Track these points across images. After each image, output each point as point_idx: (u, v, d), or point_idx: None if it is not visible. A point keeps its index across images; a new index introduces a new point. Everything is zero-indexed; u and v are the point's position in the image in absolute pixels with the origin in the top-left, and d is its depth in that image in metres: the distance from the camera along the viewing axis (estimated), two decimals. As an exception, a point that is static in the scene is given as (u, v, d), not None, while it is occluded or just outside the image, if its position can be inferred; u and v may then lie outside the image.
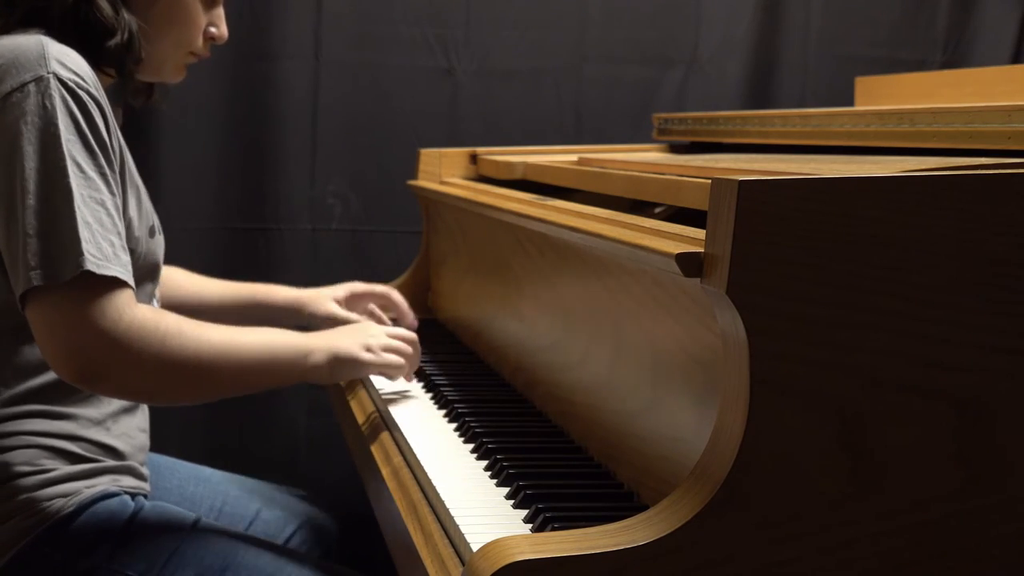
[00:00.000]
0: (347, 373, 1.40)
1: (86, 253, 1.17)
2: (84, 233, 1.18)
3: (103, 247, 1.19)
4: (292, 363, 1.34)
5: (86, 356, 1.18)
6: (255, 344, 1.31)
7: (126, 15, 1.32)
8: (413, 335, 1.47)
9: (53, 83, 1.20)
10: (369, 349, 1.40)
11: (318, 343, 1.37)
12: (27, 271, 1.17)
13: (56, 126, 1.20)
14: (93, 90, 1.24)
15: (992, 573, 0.86)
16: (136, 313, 1.20)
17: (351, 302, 1.76)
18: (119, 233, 1.22)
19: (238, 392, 1.38)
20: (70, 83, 1.21)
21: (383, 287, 1.82)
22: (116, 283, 1.19)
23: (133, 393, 1.30)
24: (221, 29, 1.46)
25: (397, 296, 1.80)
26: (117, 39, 1.31)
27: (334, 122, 2.31)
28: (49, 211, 1.18)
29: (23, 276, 1.17)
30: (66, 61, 1.23)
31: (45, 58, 1.22)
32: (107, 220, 1.21)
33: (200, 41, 1.44)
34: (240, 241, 2.31)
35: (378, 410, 1.45)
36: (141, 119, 2.18)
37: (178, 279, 1.72)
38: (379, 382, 1.54)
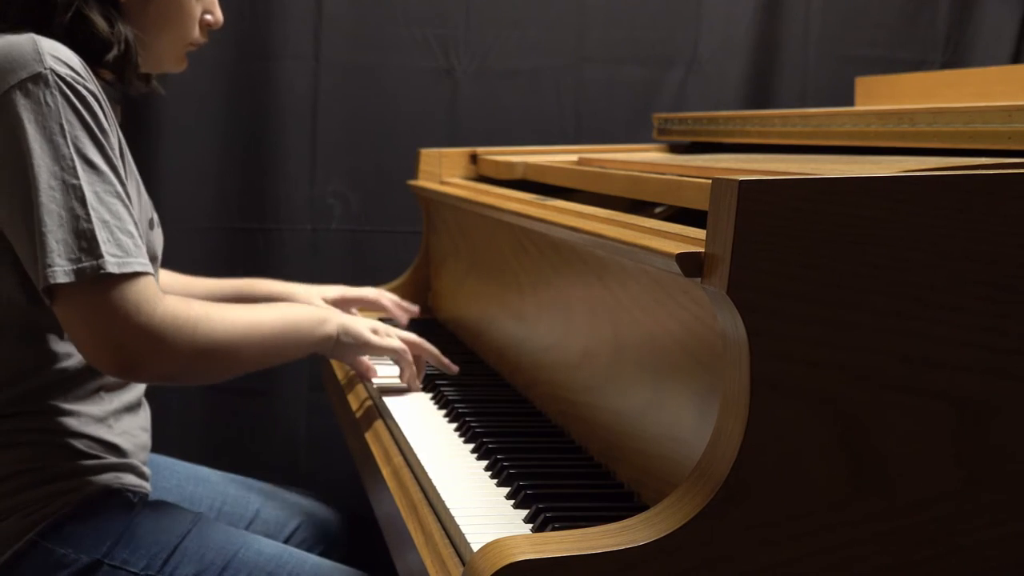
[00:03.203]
0: (350, 348, 1.45)
1: (106, 255, 1.18)
2: (102, 234, 1.18)
3: (123, 242, 1.20)
4: (309, 330, 1.40)
5: (125, 349, 1.21)
6: (275, 318, 1.36)
7: (121, 27, 1.33)
8: (419, 339, 1.52)
9: (52, 79, 1.20)
10: (375, 332, 1.46)
11: (331, 314, 1.44)
12: (45, 269, 1.16)
13: (60, 123, 1.19)
14: (90, 84, 1.24)
15: (992, 573, 0.86)
16: (167, 304, 1.22)
17: (339, 306, 1.77)
18: (136, 222, 1.23)
19: (259, 367, 1.41)
20: (68, 78, 1.21)
21: (374, 291, 1.85)
22: (140, 276, 1.20)
23: (166, 378, 1.32)
24: (216, 15, 1.46)
25: (387, 300, 1.84)
26: (114, 52, 1.32)
27: (334, 122, 2.31)
28: (64, 211, 1.18)
29: (42, 275, 1.17)
30: (61, 56, 1.23)
31: (40, 54, 1.21)
32: (123, 211, 1.22)
33: (197, 31, 1.44)
34: (240, 241, 2.31)
35: (378, 410, 1.46)
36: (141, 119, 2.18)
37: (164, 280, 1.72)
38: (378, 381, 1.54)
